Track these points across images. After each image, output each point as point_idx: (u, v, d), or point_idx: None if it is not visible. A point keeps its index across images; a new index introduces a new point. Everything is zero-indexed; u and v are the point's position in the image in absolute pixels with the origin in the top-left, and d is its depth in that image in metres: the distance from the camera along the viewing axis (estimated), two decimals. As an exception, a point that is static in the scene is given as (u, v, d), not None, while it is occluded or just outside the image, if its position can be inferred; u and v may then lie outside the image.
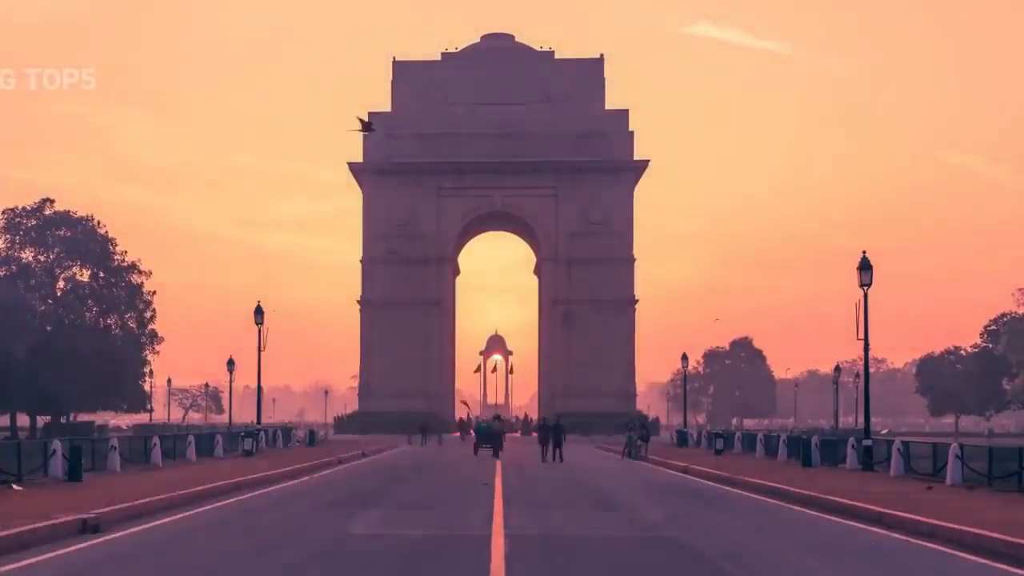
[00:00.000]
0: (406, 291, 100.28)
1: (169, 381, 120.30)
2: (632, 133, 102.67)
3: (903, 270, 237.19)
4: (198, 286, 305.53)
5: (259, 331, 51.90)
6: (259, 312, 52.00)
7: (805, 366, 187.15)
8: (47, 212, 78.88)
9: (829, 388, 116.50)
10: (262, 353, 52.18)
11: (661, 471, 39.81)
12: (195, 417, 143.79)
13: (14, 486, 25.25)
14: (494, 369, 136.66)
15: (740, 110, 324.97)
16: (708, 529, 18.77)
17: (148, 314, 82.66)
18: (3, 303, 69.85)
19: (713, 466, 36.65)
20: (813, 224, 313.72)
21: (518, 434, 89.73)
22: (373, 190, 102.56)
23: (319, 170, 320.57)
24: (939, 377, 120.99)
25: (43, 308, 78.89)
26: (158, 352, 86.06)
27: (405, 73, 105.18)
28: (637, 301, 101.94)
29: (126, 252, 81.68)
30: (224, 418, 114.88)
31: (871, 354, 38.85)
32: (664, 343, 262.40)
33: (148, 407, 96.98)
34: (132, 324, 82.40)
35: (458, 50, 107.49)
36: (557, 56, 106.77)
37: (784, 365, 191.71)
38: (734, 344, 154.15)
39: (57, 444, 29.11)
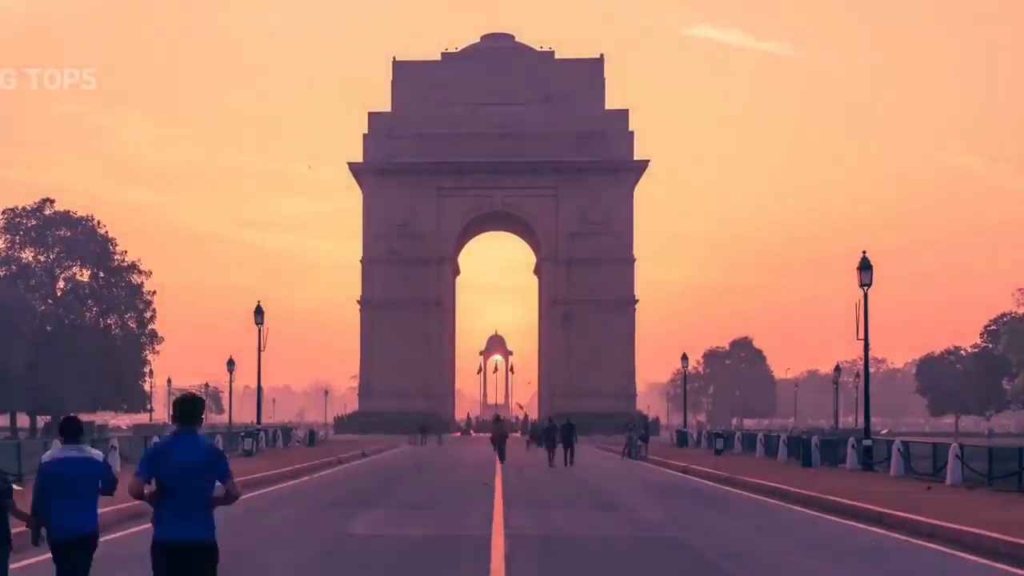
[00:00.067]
0: (406, 291, 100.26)
1: (169, 381, 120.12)
2: (632, 133, 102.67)
3: (903, 270, 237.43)
4: (198, 286, 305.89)
5: (259, 331, 51.94)
6: (259, 312, 52.03)
7: (805, 366, 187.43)
8: (47, 212, 78.86)
9: (829, 388, 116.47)
10: (262, 353, 52.25)
11: (661, 471, 39.80)
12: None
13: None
14: (495, 369, 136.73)
15: (740, 110, 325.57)
16: (708, 529, 18.78)
17: (148, 314, 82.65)
18: (3, 303, 69.87)
19: (713, 466, 36.65)
20: (813, 224, 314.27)
21: (518, 434, 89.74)
22: (373, 190, 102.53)
23: (319, 170, 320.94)
24: (939, 377, 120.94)
25: (43, 308, 78.88)
26: (158, 352, 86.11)
27: (405, 73, 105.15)
28: (637, 301, 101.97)
29: (126, 252, 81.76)
30: (224, 418, 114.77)
31: (871, 354, 38.87)
32: (664, 343, 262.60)
33: (148, 407, 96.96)
34: (132, 324, 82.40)
35: (458, 50, 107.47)
36: (557, 56, 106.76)
37: (784, 365, 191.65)
38: (734, 344, 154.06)
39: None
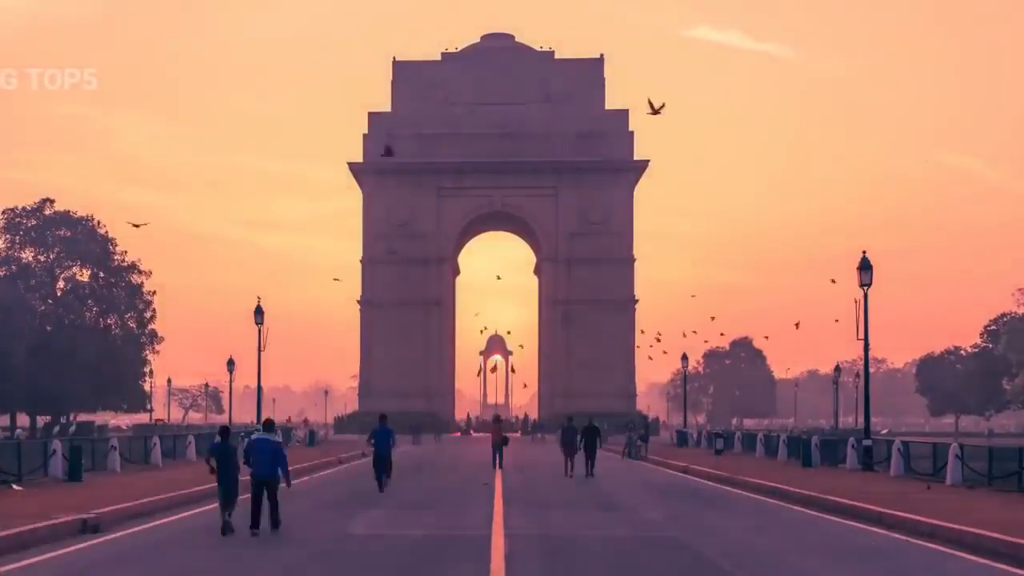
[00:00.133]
0: (406, 291, 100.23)
1: (169, 381, 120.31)
2: (632, 133, 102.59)
3: (903, 271, 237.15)
4: (198, 286, 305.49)
5: (259, 331, 51.95)
6: (259, 312, 52.03)
7: (805, 366, 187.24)
8: (47, 212, 78.88)
9: (829, 388, 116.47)
10: (262, 353, 52.25)
11: (661, 471, 39.79)
12: (195, 417, 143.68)
13: (14, 486, 25.25)
14: (494, 369, 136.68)
15: (740, 111, 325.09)
16: (708, 529, 18.78)
17: (148, 314, 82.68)
18: (3, 303, 69.83)
19: (713, 466, 36.65)
20: (813, 225, 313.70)
21: (518, 434, 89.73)
22: (373, 190, 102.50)
23: (319, 170, 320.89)
24: (939, 377, 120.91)
25: (43, 308, 78.88)
26: (158, 352, 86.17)
27: (405, 73, 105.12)
28: (637, 301, 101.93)
29: (126, 252, 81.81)
30: (224, 418, 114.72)
31: (871, 354, 38.86)
32: (664, 343, 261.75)
33: (148, 407, 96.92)
34: (132, 324, 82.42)
35: (458, 50, 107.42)
36: (557, 56, 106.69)
37: (784, 365, 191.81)
38: (734, 344, 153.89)
39: (57, 444, 29.11)
